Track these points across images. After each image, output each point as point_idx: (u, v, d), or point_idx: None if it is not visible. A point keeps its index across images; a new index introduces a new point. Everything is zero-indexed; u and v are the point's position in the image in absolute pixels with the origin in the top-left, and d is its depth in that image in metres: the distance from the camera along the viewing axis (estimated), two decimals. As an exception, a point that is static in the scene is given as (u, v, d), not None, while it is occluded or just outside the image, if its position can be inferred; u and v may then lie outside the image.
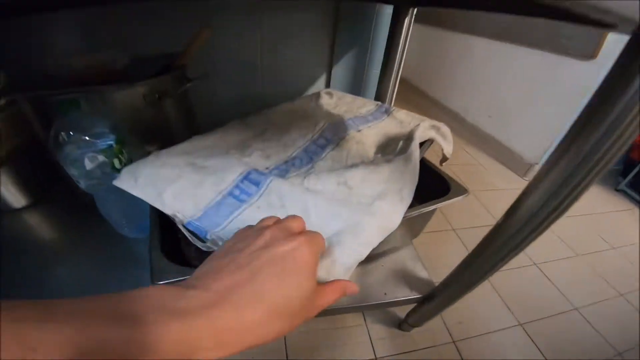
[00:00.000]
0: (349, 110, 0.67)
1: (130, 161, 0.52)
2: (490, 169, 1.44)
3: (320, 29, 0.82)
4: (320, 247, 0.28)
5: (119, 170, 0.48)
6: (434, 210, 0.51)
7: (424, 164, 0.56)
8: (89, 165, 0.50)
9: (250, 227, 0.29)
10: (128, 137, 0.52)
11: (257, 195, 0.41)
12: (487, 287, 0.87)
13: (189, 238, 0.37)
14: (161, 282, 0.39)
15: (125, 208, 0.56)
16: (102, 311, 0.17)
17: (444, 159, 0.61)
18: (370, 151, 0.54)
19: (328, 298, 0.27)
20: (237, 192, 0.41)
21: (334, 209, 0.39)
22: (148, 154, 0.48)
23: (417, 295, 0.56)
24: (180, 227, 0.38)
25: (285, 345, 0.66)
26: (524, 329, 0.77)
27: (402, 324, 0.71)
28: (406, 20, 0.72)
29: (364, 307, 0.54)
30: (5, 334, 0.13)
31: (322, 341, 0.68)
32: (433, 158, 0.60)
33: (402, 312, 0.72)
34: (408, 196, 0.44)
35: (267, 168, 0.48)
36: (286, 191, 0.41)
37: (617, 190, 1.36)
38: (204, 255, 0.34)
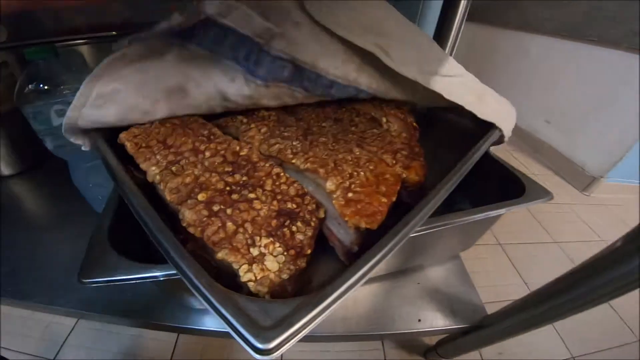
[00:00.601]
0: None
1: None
2: (545, 180, 1.22)
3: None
4: None
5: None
6: (498, 215, 0.35)
7: (489, 156, 0.41)
8: (55, 120, 0.40)
9: None
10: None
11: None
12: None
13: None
14: (88, 281, 0.26)
15: (100, 181, 0.45)
16: None
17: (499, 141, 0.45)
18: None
19: None
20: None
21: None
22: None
23: (462, 325, 0.41)
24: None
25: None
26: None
27: (429, 353, 0.54)
28: (458, 14, 0.58)
29: (389, 335, 0.39)
30: None
31: (331, 366, 0.54)
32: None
33: (431, 338, 0.56)
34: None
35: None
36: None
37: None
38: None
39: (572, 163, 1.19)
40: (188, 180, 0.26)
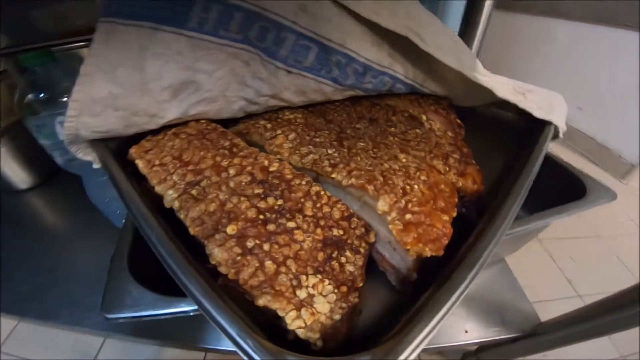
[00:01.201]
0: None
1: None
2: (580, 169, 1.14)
3: None
4: None
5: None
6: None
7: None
8: (61, 132, 0.35)
9: None
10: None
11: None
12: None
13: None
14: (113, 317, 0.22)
15: (116, 195, 0.41)
16: None
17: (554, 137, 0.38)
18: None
19: None
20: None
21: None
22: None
23: (512, 335, 0.36)
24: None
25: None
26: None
27: (468, 357, 0.50)
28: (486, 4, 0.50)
29: (434, 349, 0.35)
30: None
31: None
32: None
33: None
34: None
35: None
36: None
37: None
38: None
39: (607, 150, 1.10)
40: (213, 207, 0.21)
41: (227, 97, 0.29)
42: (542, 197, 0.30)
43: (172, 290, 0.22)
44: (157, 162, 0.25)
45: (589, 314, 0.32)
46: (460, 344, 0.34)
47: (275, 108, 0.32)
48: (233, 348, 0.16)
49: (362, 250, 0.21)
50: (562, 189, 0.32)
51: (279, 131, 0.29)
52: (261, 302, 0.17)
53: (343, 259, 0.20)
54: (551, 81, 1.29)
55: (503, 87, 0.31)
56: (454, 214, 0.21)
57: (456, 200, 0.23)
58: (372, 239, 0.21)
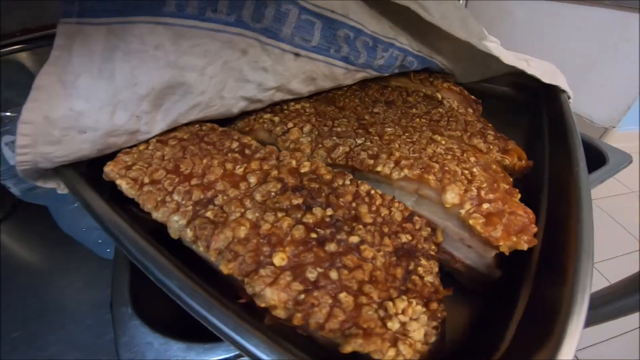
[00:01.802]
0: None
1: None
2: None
3: None
4: None
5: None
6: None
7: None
8: (10, 155, 0.25)
9: None
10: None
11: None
12: None
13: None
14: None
15: (95, 223, 0.31)
16: None
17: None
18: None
19: None
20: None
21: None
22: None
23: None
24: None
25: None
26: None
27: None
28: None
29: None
30: None
31: None
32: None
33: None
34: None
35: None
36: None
37: None
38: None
39: (578, 117, 1.14)
40: (243, 232, 0.15)
41: (225, 98, 0.22)
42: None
43: (188, 325, 0.16)
44: (146, 180, 0.18)
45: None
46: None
47: (277, 102, 0.26)
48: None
49: (433, 253, 0.16)
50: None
51: (290, 124, 0.23)
52: (350, 348, 0.12)
53: (420, 270, 0.15)
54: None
55: (508, 55, 0.28)
56: (519, 196, 0.18)
57: (511, 180, 0.19)
58: (440, 238, 0.17)
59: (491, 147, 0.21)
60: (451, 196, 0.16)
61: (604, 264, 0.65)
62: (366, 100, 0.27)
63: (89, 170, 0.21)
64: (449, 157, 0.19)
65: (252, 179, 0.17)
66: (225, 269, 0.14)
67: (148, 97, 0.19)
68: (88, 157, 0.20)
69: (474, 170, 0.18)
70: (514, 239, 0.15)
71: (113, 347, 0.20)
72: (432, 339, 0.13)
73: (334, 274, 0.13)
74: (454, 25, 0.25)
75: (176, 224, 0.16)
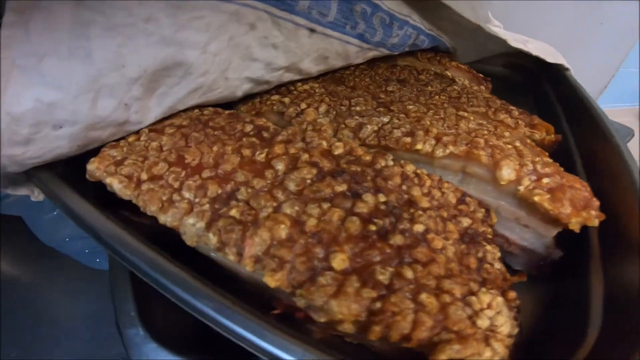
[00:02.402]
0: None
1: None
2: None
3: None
4: None
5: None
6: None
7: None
8: None
9: None
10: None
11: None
12: None
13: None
14: None
15: (78, 232, 0.25)
16: None
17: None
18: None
19: None
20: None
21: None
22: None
23: None
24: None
25: None
26: None
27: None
28: None
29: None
30: None
31: None
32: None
33: None
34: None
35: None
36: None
37: None
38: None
39: None
40: (283, 231, 0.11)
41: (229, 80, 0.18)
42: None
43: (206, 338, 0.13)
44: (144, 177, 0.14)
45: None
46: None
47: (284, 83, 0.22)
48: None
49: (490, 237, 0.14)
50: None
51: (303, 105, 0.19)
52: (444, 356, 0.09)
53: (489, 256, 0.13)
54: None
55: (512, 37, 0.27)
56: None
57: (547, 154, 0.17)
58: (494, 219, 0.14)
59: (519, 122, 0.19)
60: (507, 172, 0.14)
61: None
62: (377, 79, 0.24)
63: (66, 170, 0.15)
64: (485, 131, 0.17)
65: (280, 166, 0.13)
66: (271, 281, 0.10)
67: (139, 81, 0.14)
68: (66, 155, 0.15)
69: (517, 144, 0.16)
70: (584, 215, 0.13)
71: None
72: (516, 330, 0.11)
73: (408, 273, 0.10)
74: (463, 7, 0.23)
75: (193, 228, 0.12)
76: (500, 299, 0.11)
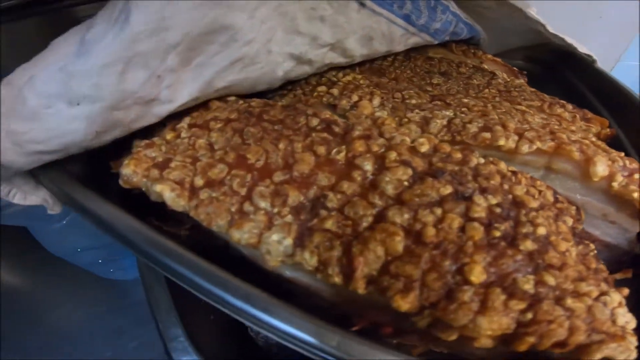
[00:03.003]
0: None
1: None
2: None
3: None
4: None
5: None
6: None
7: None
8: None
9: None
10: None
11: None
12: None
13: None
14: None
15: (90, 242, 0.22)
16: None
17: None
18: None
19: None
20: None
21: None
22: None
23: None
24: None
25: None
26: None
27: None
28: None
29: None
30: None
31: None
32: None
33: None
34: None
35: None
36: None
37: None
38: None
39: None
40: (399, 244, 0.10)
41: (272, 54, 0.16)
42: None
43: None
44: (199, 182, 0.11)
45: None
46: None
47: (324, 70, 0.20)
48: None
49: (583, 234, 0.14)
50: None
51: (354, 96, 0.18)
52: (600, 355, 0.09)
53: (593, 252, 0.12)
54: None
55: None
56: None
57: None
58: (584, 217, 0.14)
59: (576, 116, 0.19)
60: (602, 168, 0.13)
61: None
62: (418, 72, 0.23)
63: (86, 175, 0.13)
64: (556, 127, 0.17)
65: (368, 166, 0.12)
66: (402, 304, 0.09)
67: (178, 48, 0.12)
68: (79, 145, 0.12)
69: (593, 139, 0.16)
70: (685, 209, 0.13)
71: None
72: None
73: (550, 279, 0.09)
74: None
75: (279, 246, 0.10)
76: (619, 295, 0.11)
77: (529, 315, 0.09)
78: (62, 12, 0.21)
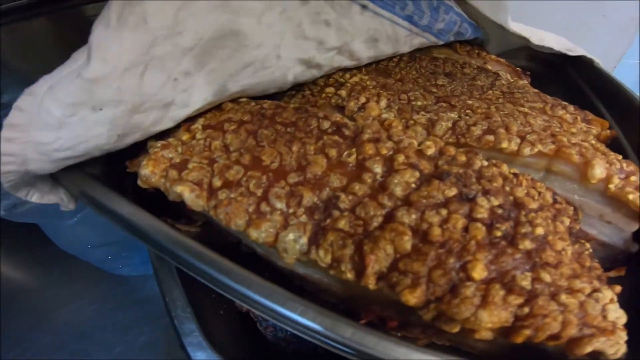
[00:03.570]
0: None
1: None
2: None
3: None
4: None
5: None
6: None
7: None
8: None
9: None
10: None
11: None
12: None
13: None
14: None
15: (101, 238, 0.23)
16: None
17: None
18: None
19: None
20: None
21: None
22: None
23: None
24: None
25: None
26: None
27: None
28: None
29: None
30: None
31: None
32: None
33: None
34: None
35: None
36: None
37: None
38: None
39: None
40: (407, 243, 0.10)
41: (282, 59, 0.16)
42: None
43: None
44: (217, 183, 0.12)
45: None
46: None
47: (332, 72, 0.21)
48: None
49: (580, 234, 0.15)
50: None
51: (362, 98, 0.19)
52: (590, 348, 0.10)
53: (588, 252, 0.13)
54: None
55: (529, 30, 0.28)
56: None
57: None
58: (580, 216, 0.15)
59: (577, 117, 0.20)
60: (599, 171, 0.14)
61: None
62: (423, 72, 0.23)
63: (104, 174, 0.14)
64: (557, 129, 0.17)
65: (378, 168, 0.13)
66: (411, 299, 0.10)
67: (192, 52, 0.13)
68: (103, 147, 0.13)
69: (593, 141, 0.17)
70: (676, 210, 0.14)
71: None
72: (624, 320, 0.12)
73: (546, 276, 0.10)
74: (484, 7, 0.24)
75: (296, 245, 0.11)
76: (610, 292, 0.12)
77: (526, 310, 0.10)
78: (68, 11, 0.22)
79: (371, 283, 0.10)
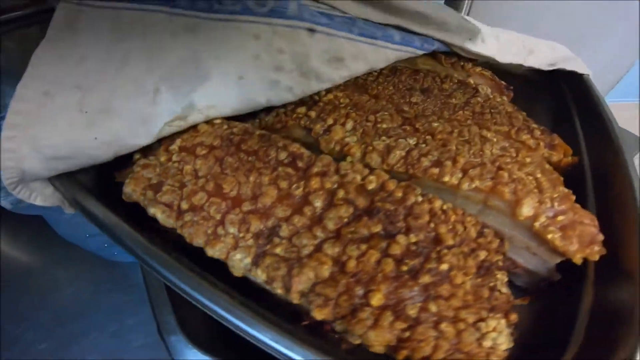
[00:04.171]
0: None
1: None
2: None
3: None
4: None
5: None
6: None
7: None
8: None
9: None
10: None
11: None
12: None
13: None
14: None
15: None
16: None
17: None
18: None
19: None
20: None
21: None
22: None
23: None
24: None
25: None
26: None
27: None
28: None
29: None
30: None
31: None
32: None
33: None
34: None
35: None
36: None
37: None
38: None
39: None
40: (326, 271, 0.13)
41: (246, 81, 0.18)
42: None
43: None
44: (184, 206, 0.15)
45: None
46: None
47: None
48: None
49: (500, 263, 0.17)
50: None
51: (329, 120, 0.20)
52: None
53: (498, 284, 0.15)
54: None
55: (509, 49, 0.26)
56: (574, 198, 0.19)
57: (562, 179, 0.20)
58: (507, 248, 0.17)
59: (540, 143, 0.21)
60: (527, 210, 0.16)
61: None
62: (400, 88, 0.24)
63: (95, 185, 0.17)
64: (508, 159, 0.19)
65: (318, 203, 0.15)
66: (318, 314, 0.13)
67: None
68: (87, 154, 0.16)
69: (538, 175, 0.18)
70: (588, 251, 0.16)
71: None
72: (511, 345, 0.14)
73: (433, 307, 0.13)
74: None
75: (241, 263, 0.14)
76: (503, 322, 0.14)
77: (407, 334, 0.12)
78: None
79: (295, 298, 0.13)
